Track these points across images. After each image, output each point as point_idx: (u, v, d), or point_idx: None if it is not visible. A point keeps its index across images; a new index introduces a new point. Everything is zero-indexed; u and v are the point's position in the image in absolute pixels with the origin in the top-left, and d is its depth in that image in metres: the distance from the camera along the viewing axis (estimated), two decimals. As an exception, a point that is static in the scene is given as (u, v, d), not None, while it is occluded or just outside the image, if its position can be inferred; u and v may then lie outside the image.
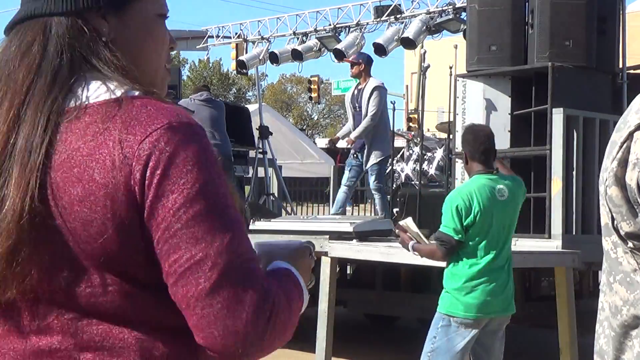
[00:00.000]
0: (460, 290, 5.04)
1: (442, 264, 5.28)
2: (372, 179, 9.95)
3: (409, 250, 5.32)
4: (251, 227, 7.36)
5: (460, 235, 5.02)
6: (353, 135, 9.86)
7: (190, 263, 1.25)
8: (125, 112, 1.29)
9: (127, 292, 1.30)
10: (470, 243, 5.06)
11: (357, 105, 10.04)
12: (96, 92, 1.33)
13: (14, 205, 1.27)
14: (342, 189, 10.33)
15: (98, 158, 1.26)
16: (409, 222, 5.43)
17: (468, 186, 5.18)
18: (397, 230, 5.60)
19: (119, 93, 1.32)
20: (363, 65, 10.00)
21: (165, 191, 1.25)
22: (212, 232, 1.25)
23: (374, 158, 9.75)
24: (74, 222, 1.28)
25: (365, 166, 9.95)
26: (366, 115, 9.78)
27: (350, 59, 10.50)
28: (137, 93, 1.33)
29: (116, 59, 1.36)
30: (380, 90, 9.86)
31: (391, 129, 9.80)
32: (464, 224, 5.04)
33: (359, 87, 10.07)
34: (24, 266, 1.30)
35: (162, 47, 1.45)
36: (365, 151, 9.90)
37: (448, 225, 5.05)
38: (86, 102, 1.32)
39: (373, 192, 10.06)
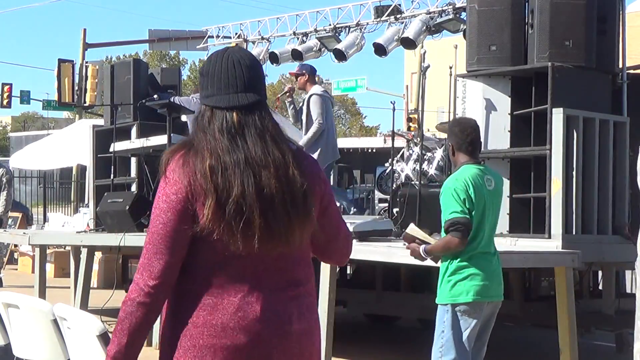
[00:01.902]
0: (460, 275, 5.09)
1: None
2: None
3: (424, 258, 5.24)
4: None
5: (469, 216, 5.05)
6: (302, 145, 9.03)
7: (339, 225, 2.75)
8: (302, 155, 2.62)
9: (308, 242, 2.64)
10: None
11: (301, 119, 9.73)
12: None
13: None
14: None
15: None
16: (412, 228, 5.37)
17: (461, 174, 5.21)
18: (404, 244, 5.49)
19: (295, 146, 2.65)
20: (307, 76, 9.78)
21: (328, 196, 2.65)
22: (340, 216, 2.75)
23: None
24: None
25: None
26: (311, 123, 9.45)
27: (294, 71, 10.23)
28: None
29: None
30: (318, 95, 9.57)
31: (386, 132, 9.67)
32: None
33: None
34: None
35: None
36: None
37: (454, 209, 5.06)
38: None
39: None
